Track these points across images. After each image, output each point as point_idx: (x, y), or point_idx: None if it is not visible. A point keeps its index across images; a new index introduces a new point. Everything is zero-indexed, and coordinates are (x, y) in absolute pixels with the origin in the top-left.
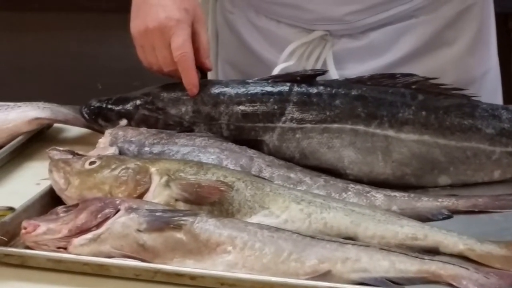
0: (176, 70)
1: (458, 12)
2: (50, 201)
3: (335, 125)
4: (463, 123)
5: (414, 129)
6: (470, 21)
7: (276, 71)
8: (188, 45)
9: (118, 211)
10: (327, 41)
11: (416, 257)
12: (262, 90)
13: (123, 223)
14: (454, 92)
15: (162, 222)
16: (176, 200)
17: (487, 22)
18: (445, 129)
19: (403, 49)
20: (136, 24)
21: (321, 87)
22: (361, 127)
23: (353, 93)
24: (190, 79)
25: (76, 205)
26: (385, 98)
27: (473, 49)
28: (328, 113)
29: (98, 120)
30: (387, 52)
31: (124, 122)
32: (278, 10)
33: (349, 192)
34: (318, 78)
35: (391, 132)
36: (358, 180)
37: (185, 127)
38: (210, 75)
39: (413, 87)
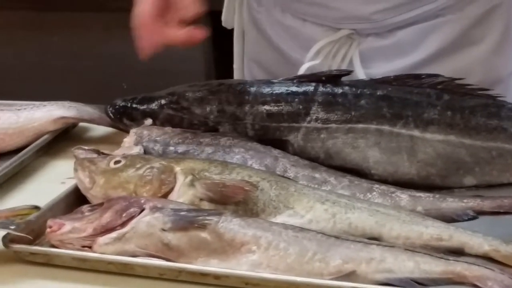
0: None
1: (485, 11)
2: (75, 200)
3: (360, 125)
4: (488, 123)
5: (439, 129)
6: (497, 20)
7: (302, 70)
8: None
9: (143, 210)
10: (353, 40)
11: (441, 258)
12: (287, 90)
13: (148, 222)
14: (479, 92)
15: (186, 221)
16: (201, 199)
17: None
18: (470, 129)
19: (429, 48)
20: None
21: (346, 87)
22: (386, 127)
23: (378, 93)
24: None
25: (101, 204)
26: (410, 98)
27: (500, 48)
28: (353, 113)
29: (123, 120)
30: (414, 51)
31: (149, 121)
32: (304, 8)
33: (374, 193)
34: (344, 78)
35: (416, 132)
36: (383, 180)
37: (210, 127)
38: (237, 74)
39: (439, 87)
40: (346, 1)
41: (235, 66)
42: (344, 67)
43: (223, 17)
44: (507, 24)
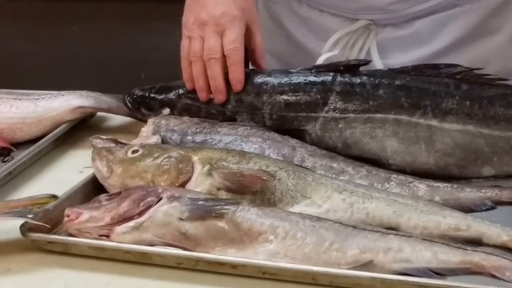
0: (216, 67)
1: (502, 1)
2: (93, 189)
3: (378, 115)
4: (507, 113)
5: (457, 118)
6: None
7: (320, 61)
8: (240, 41)
9: (160, 199)
10: (371, 30)
11: (459, 248)
12: (305, 80)
13: (165, 211)
14: (498, 82)
15: (204, 211)
16: (218, 189)
17: None
18: (489, 119)
19: (447, 38)
20: (190, 15)
21: (364, 77)
22: (404, 117)
23: (396, 83)
24: (238, 74)
25: (119, 193)
26: (428, 88)
27: None
28: (371, 103)
29: (141, 109)
30: (431, 41)
31: (167, 111)
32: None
33: (392, 182)
34: (361, 68)
35: (434, 122)
36: (400, 170)
37: (228, 117)
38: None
39: (457, 77)
40: None
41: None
42: (361, 57)
43: None
44: None
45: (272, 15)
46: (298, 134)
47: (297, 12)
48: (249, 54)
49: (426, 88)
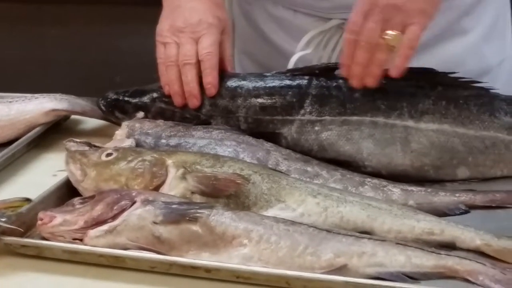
0: (190, 72)
1: (474, 0)
2: (67, 192)
3: (355, 118)
4: (482, 112)
5: (433, 118)
6: (487, 10)
7: (293, 60)
8: (215, 47)
9: (134, 203)
10: (344, 30)
11: (433, 252)
12: (280, 83)
13: (139, 215)
14: (473, 85)
15: (178, 214)
16: (192, 192)
17: (504, 10)
18: (464, 118)
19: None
20: (165, 23)
21: (340, 80)
22: (380, 119)
23: None
24: (211, 78)
25: (93, 197)
26: (404, 90)
27: (489, 37)
28: (347, 106)
29: (115, 112)
30: None
31: (141, 114)
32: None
33: (366, 186)
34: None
35: (410, 123)
36: (376, 172)
37: (202, 121)
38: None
39: (433, 80)
40: None
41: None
42: (334, 57)
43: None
44: (496, 13)
45: (247, 17)
46: (274, 137)
47: (271, 13)
48: (220, 65)
49: (402, 90)
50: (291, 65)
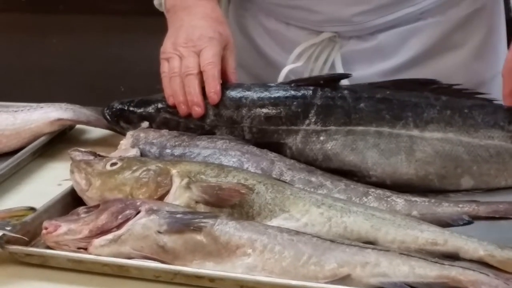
0: (193, 83)
1: (467, 15)
2: (71, 201)
3: (360, 128)
4: (486, 121)
5: (438, 127)
6: (479, 25)
7: (283, 72)
8: (217, 59)
9: (138, 212)
10: (335, 43)
11: (436, 262)
12: (285, 93)
13: (143, 224)
14: (476, 96)
15: (182, 224)
16: (197, 202)
17: (497, 26)
18: (469, 127)
19: (411, 51)
20: (168, 42)
21: (345, 91)
22: (385, 129)
23: (377, 96)
24: (213, 86)
25: (97, 206)
26: (409, 100)
27: (482, 52)
28: (352, 116)
29: (120, 122)
30: (396, 54)
31: (145, 124)
32: (287, 12)
33: (370, 197)
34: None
35: (415, 132)
36: (381, 182)
37: (206, 131)
38: None
39: (437, 91)
40: (327, 4)
41: None
42: (326, 69)
43: None
44: (489, 29)
45: (242, 30)
46: (278, 147)
47: (265, 25)
48: (223, 79)
49: (407, 100)
50: (281, 77)
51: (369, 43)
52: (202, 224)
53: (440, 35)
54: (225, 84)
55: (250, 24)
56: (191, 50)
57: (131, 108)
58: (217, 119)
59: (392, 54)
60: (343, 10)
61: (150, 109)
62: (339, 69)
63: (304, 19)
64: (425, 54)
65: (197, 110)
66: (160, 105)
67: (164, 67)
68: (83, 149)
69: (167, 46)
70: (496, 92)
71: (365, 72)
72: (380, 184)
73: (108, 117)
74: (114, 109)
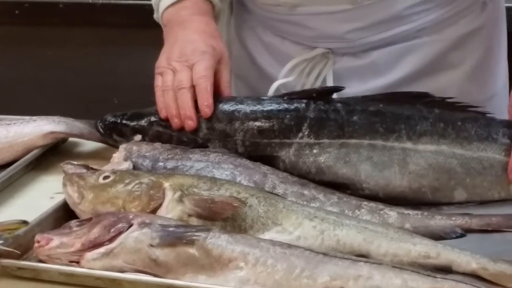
0: (187, 98)
1: (464, 34)
2: (64, 215)
3: (353, 141)
4: (480, 134)
5: (432, 139)
6: (476, 45)
7: (274, 85)
8: (209, 72)
9: (131, 225)
10: (328, 59)
11: (429, 275)
12: (278, 107)
13: (136, 238)
14: (470, 109)
15: (174, 237)
16: (189, 215)
17: (496, 46)
18: (462, 139)
19: (405, 69)
20: (163, 57)
21: (338, 104)
22: (379, 142)
23: (370, 109)
24: (205, 99)
25: (90, 219)
26: (402, 112)
27: (478, 73)
28: (345, 129)
29: (112, 135)
30: (389, 72)
31: (138, 137)
32: (283, 27)
33: (362, 210)
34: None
35: (408, 144)
36: (374, 194)
37: (199, 144)
38: None
39: (429, 104)
40: (321, 20)
41: None
42: (317, 85)
43: None
44: (486, 49)
45: (240, 41)
46: (271, 160)
47: (261, 38)
48: (217, 92)
49: (400, 113)
50: (272, 90)
51: (362, 60)
52: (194, 237)
53: (435, 54)
54: (218, 97)
55: (247, 35)
56: (184, 65)
57: (124, 121)
58: (210, 133)
59: (386, 71)
60: (336, 26)
61: (143, 122)
62: (330, 85)
63: (298, 34)
64: (419, 73)
65: (190, 124)
66: (153, 118)
67: (158, 81)
68: (75, 162)
69: (161, 61)
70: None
71: (357, 89)
72: (373, 197)
73: (101, 130)
74: (107, 122)
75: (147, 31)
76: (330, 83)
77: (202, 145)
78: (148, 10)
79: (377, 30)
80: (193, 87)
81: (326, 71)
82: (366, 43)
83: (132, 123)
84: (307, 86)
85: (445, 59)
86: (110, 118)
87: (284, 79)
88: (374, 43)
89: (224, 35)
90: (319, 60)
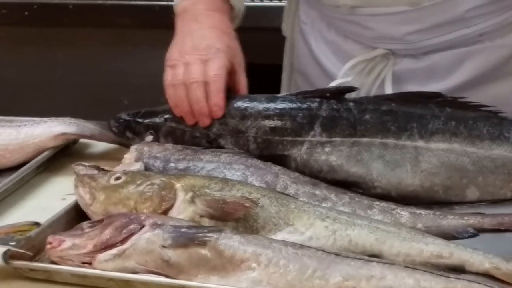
0: (197, 91)
1: None
2: (76, 216)
3: (365, 139)
4: (491, 132)
5: (443, 138)
6: None
7: (333, 84)
8: (223, 72)
9: (143, 227)
10: (389, 60)
11: (442, 275)
12: (291, 105)
13: (148, 239)
14: (482, 108)
15: (186, 238)
16: (201, 216)
17: None
18: (474, 138)
19: (465, 74)
20: (174, 49)
21: (351, 103)
22: (391, 140)
23: (382, 108)
24: (218, 100)
25: (101, 221)
26: (414, 111)
27: None
28: (358, 128)
29: (126, 133)
30: (448, 76)
31: (150, 138)
32: (345, 26)
33: (374, 209)
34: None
35: (420, 143)
36: (386, 193)
37: (212, 139)
38: (285, 83)
39: (442, 104)
40: (380, 21)
41: (283, 75)
42: (376, 85)
43: (283, 25)
44: None
45: (303, 36)
46: (282, 158)
47: (324, 36)
48: (233, 90)
49: (412, 112)
50: None
51: (422, 63)
52: (206, 238)
53: (497, 60)
54: (231, 94)
55: (310, 32)
56: (197, 58)
57: (137, 119)
58: (222, 128)
59: (445, 75)
60: (395, 28)
61: (156, 119)
62: (388, 87)
63: (360, 34)
64: (480, 79)
65: (205, 121)
66: (166, 115)
67: (168, 75)
68: (87, 164)
69: (173, 53)
70: None
71: None
72: (385, 196)
73: (114, 128)
74: (120, 120)
75: (157, 32)
76: (388, 84)
77: (214, 140)
78: (157, 10)
79: (437, 33)
80: (205, 83)
81: (386, 72)
82: (425, 46)
83: (146, 121)
84: (366, 86)
85: (507, 65)
86: (124, 116)
87: (342, 79)
88: (434, 46)
89: (290, 29)
90: (379, 60)
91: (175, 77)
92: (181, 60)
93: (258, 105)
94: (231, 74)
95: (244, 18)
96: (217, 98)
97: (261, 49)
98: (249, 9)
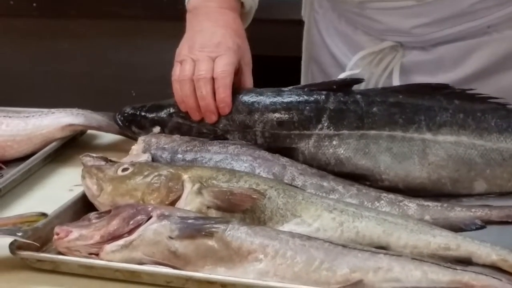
0: (206, 87)
1: None
2: (83, 207)
3: (373, 132)
4: (500, 124)
5: (451, 130)
6: None
7: (342, 76)
8: (231, 68)
9: (150, 218)
10: (397, 52)
11: (449, 267)
12: (297, 98)
13: (155, 230)
14: (490, 100)
15: (194, 229)
16: (208, 207)
17: None
18: (482, 130)
19: (473, 66)
20: (184, 45)
21: (358, 96)
22: (398, 133)
23: (390, 100)
24: (225, 97)
25: (109, 212)
26: (422, 104)
27: None
28: (365, 120)
29: (131, 127)
30: (456, 67)
31: (157, 129)
32: (355, 18)
33: (382, 201)
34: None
35: (428, 135)
36: (393, 185)
37: (219, 135)
38: (304, 70)
39: (449, 95)
40: (388, 15)
41: (302, 64)
42: (384, 76)
43: (302, 11)
44: None
45: (316, 25)
46: (290, 151)
47: (335, 26)
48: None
49: (420, 104)
50: None
51: (431, 55)
52: (213, 229)
53: (505, 52)
54: (238, 88)
55: (322, 21)
56: (206, 55)
57: (143, 113)
58: (229, 124)
59: (453, 67)
60: (402, 21)
61: (162, 113)
62: (396, 78)
63: (369, 26)
64: (488, 70)
65: (212, 117)
66: (172, 110)
67: (176, 71)
68: (94, 155)
69: (183, 49)
70: None
71: None
72: (392, 188)
73: (119, 122)
74: (126, 114)
75: (165, 23)
76: (396, 76)
77: (222, 136)
78: (165, 2)
79: (443, 26)
80: (213, 79)
81: (394, 64)
82: (433, 38)
83: (151, 115)
84: (374, 78)
85: None
86: (129, 110)
87: (351, 70)
88: (442, 38)
89: (306, 19)
90: (388, 52)
91: (182, 72)
92: (190, 56)
93: (265, 99)
94: (237, 73)
95: (266, 10)
96: (224, 94)
97: (282, 41)
98: (271, 1)
